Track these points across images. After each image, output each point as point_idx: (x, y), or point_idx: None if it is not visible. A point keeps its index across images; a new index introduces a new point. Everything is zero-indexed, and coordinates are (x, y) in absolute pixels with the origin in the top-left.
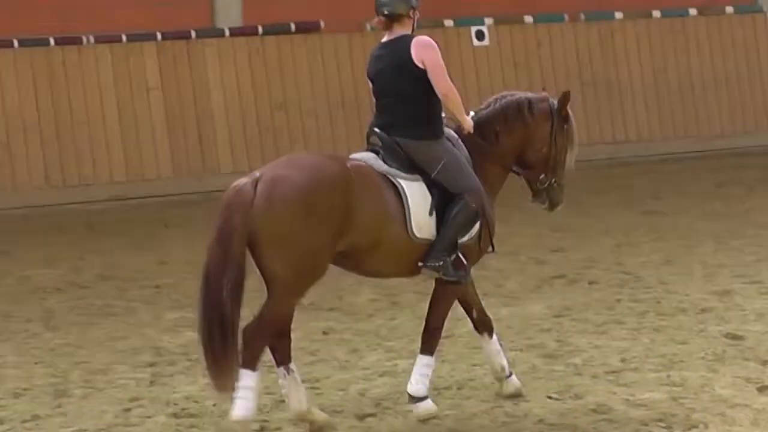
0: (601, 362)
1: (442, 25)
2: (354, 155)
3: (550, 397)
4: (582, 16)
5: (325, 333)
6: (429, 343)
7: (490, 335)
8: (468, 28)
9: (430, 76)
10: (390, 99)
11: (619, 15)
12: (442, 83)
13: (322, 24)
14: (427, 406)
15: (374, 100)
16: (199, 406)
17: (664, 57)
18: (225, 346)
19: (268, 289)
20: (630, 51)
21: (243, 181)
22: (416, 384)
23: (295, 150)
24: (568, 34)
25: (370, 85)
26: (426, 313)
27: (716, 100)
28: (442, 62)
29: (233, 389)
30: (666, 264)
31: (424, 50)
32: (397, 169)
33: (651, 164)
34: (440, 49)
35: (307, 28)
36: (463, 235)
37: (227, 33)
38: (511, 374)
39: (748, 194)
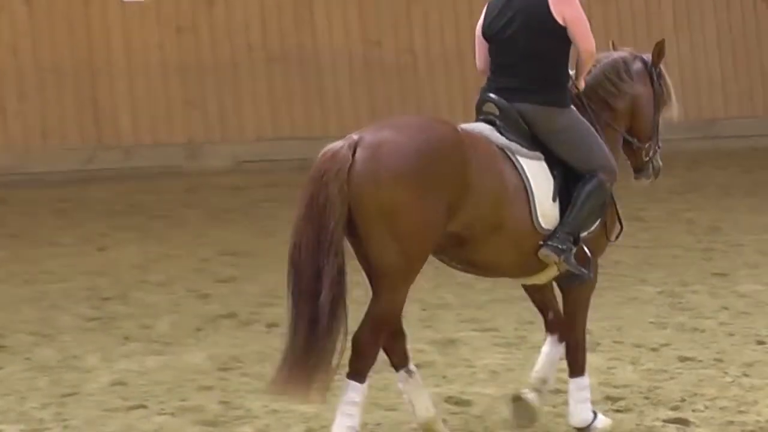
0: None
1: None
2: (464, 125)
3: None
4: None
5: None
6: (576, 364)
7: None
8: None
9: (572, 32)
10: (516, 59)
11: None
12: (587, 41)
13: None
14: (601, 422)
15: (492, 61)
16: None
17: (380, 28)
18: (316, 348)
19: (371, 281)
20: (334, 15)
21: (338, 144)
22: (578, 414)
23: None
24: None
25: (485, 44)
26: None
27: (446, 86)
28: (584, 16)
29: (315, 400)
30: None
31: (565, 4)
32: (518, 143)
33: None
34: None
35: None
36: (594, 222)
37: None
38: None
39: None
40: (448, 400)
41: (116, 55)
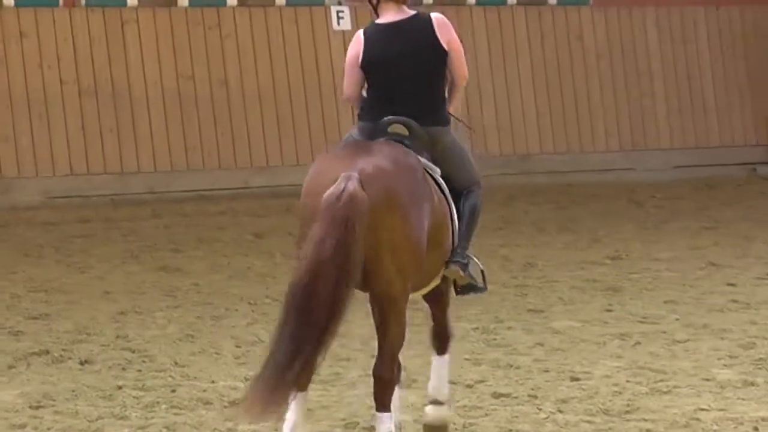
0: None
1: None
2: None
3: None
4: (82, 1)
5: None
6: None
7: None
8: None
9: (453, 57)
10: (411, 84)
11: (132, 1)
12: (464, 66)
13: None
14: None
15: (376, 88)
16: None
17: (192, 60)
18: (306, 369)
19: (381, 311)
20: (147, 49)
21: (348, 186)
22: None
23: None
24: (62, 23)
25: (360, 72)
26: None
27: (260, 121)
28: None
29: (278, 417)
30: (185, 339)
31: (448, 31)
32: (431, 162)
33: (169, 204)
34: None
35: None
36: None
37: None
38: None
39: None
40: None
41: None
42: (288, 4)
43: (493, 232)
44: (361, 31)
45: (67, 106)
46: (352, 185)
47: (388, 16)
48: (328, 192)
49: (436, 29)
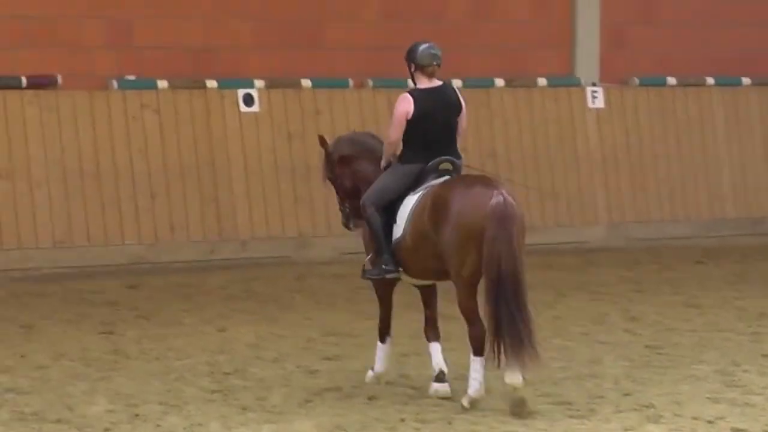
0: None
1: (204, 87)
2: (440, 180)
3: None
4: (370, 83)
5: None
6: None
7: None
8: (235, 91)
9: (462, 116)
10: (446, 133)
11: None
12: (466, 120)
13: (60, 79)
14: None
15: (420, 135)
16: None
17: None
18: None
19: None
20: None
21: (502, 197)
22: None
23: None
24: (352, 102)
25: (410, 123)
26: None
27: (524, 187)
28: None
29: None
30: (460, 378)
31: (461, 96)
32: None
33: None
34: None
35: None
36: None
37: None
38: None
39: (556, 299)
40: None
41: (234, 158)
42: (549, 85)
43: (729, 285)
44: (408, 94)
45: None
46: (505, 197)
47: (427, 82)
48: (494, 201)
49: (459, 95)
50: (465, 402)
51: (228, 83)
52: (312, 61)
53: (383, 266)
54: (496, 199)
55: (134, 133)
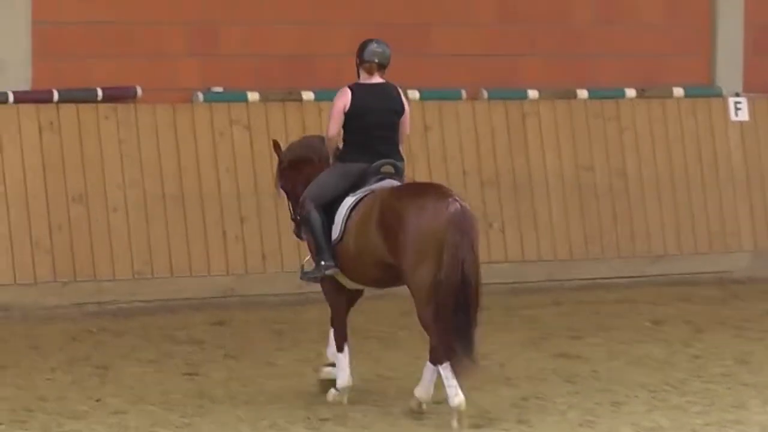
0: None
1: (300, 99)
2: (382, 183)
3: None
4: (484, 94)
5: None
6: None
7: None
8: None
9: (405, 118)
10: (387, 133)
11: (533, 93)
12: (408, 125)
13: (139, 91)
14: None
15: (357, 131)
16: None
17: (591, 150)
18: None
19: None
20: (547, 140)
21: (458, 204)
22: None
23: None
24: (464, 115)
25: (347, 117)
26: None
27: (658, 210)
28: None
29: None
30: (586, 426)
31: (404, 98)
32: None
33: (568, 292)
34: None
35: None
36: None
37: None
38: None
39: (695, 336)
40: None
41: None
42: (687, 95)
43: None
44: (347, 87)
45: (469, 195)
46: (460, 204)
47: (368, 78)
48: (452, 208)
49: (401, 95)
50: (454, 423)
51: (326, 94)
52: (419, 69)
53: (322, 263)
54: (453, 206)
55: (222, 150)
